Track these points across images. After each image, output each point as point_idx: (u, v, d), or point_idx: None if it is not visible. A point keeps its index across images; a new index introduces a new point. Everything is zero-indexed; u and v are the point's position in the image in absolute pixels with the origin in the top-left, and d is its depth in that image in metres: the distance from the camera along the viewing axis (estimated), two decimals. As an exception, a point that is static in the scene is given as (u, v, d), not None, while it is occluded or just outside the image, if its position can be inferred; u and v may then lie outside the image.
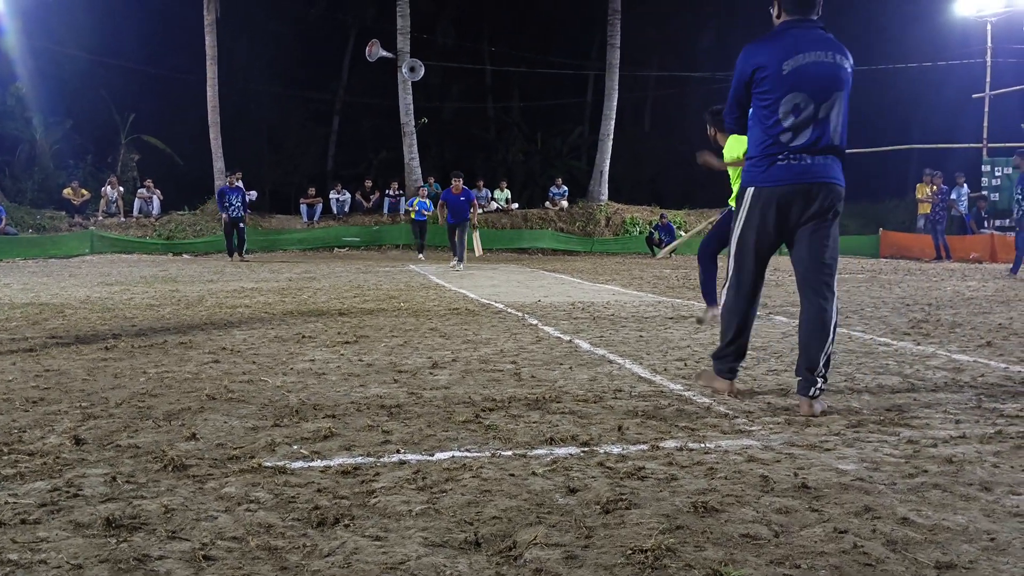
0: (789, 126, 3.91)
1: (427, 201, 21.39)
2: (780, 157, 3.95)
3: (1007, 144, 23.80)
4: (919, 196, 22.27)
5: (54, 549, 2.24)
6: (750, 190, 4.07)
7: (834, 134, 3.94)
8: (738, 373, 4.35)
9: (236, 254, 19.57)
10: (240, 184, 19.87)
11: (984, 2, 23.21)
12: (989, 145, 23.93)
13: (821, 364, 3.91)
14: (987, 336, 6.55)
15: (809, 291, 3.99)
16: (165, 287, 11.26)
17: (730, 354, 4.23)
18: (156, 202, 24.77)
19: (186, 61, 27.76)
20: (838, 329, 4.32)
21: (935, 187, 20.70)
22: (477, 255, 18.65)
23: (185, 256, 21.28)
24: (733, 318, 4.18)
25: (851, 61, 4.00)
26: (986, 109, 23.92)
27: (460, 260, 16.36)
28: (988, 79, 23.93)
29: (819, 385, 3.91)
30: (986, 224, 21.69)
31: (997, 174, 22.84)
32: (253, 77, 31.93)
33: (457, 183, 16.21)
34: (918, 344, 6.15)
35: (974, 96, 24.45)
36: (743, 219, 4.10)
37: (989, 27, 23.67)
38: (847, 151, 4.07)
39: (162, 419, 3.69)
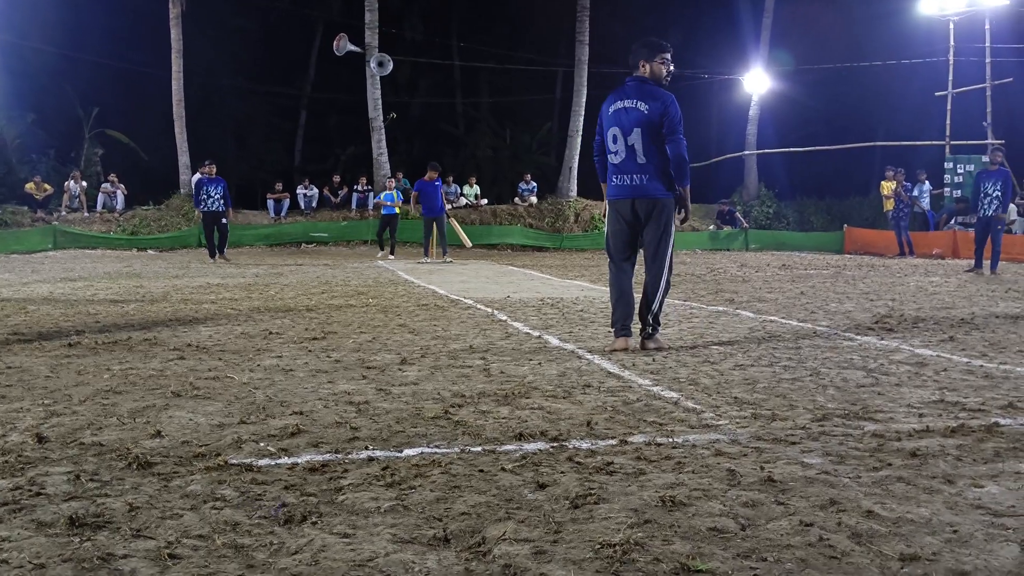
0: (614, 151, 5.62)
1: (393, 193, 19.89)
2: (614, 177, 5.66)
3: (969, 142, 24.13)
4: (884, 193, 22.53)
5: (16, 549, 2.20)
6: (606, 201, 5.83)
7: (640, 156, 5.50)
8: (631, 331, 5.68)
9: (218, 254, 17.20)
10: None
11: (947, 1, 23.48)
12: (952, 143, 24.25)
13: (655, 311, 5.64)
14: (949, 331, 6.64)
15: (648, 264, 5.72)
16: (129, 283, 11.12)
17: (618, 317, 5.69)
18: (120, 197, 24.48)
19: (151, 55, 27.39)
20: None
21: (898, 183, 20.97)
22: (468, 247, 19.09)
23: (150, 252, 21.03)
24: (612, 290, 5.78)
25: (656, 104, 5.46)
26: (948, 107, 24.22)
27: (444, 253, 17.40)
28: (951, 77, 24.24)
29: (651, 326, 5.65)
30: (953, 221, 21.88)
31: (960, 171, 23.13)
32: (219, 71, 31.57)
33: (432, 173, 17.30)
34: (882, 339, 6.22)
35: (937, 94, 24.76)
36: (607, 221, 5.84)
37: (952, 26, 23.96)
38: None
39: (126, 416, 3.65)
